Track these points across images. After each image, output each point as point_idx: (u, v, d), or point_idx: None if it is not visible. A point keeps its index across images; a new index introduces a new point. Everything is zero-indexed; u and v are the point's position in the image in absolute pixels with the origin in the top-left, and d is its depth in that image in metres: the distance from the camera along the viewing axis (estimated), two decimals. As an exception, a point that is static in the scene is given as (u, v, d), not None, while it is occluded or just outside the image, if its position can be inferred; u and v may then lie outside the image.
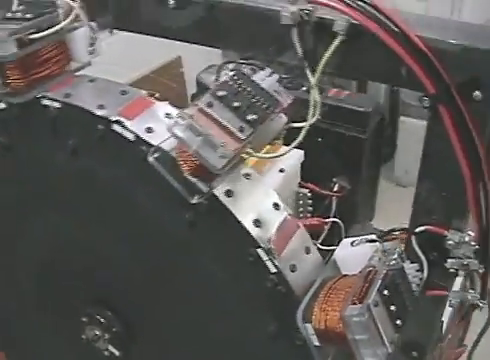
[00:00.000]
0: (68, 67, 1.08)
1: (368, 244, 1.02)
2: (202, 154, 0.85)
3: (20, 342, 1.52)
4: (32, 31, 1.00)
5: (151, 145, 0.94)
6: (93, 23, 1.07)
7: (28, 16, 1.01)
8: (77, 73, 1.10)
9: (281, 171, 1.27)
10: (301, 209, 1.34)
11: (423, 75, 0.86)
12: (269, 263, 0.95)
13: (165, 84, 2.64)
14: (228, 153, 0.84)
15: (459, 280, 0.97)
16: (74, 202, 1.14)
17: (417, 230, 0.96)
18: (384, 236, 1.03)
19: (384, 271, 0.89)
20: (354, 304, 0.84)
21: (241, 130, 0.86)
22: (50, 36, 1.02)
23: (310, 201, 1.33)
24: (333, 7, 0.89)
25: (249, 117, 0.88)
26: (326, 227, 1.30)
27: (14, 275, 1.37)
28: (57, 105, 1.03)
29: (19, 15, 1.01)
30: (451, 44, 0.85)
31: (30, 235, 1.28)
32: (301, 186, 1.35)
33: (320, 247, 1.25)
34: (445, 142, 0.87)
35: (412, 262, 0.96)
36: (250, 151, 0.92)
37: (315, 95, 0.95)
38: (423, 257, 0.97)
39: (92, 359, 1.25)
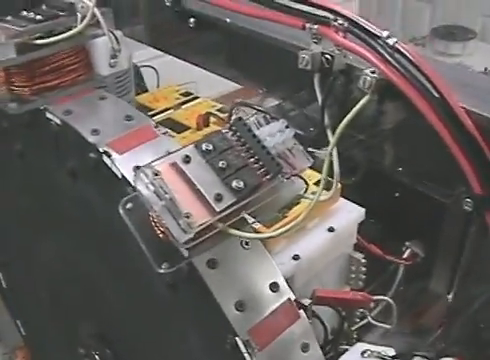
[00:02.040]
0: (86, 78, 0.95)
1: (380, 361, 0.82)
2: (163, 221, 0.68)
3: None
4: (39, 35, 0.88)
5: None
6: (118, 32, 0.93)
7: (38, 18, 0.88)
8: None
9: (330, 230, 1.04)
10: (353, 275, 1.13)
11: (469, 168, 0.65)
12: (248, 357, 0.78)
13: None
14: (192, 227, 0.68)
15: None
16: (72, 226, 1.04)
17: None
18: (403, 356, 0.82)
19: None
20: None
21: (218, 199, 0.69)
22: (61, 42, 0.89)
23: (364, 269, 1.12)
24: (363, 56, 0.69)
25: (234, 183, 0.70)
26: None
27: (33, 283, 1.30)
28: (58, 121, 0.91)
29: (30, 16, 0.89)
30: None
31: (40, 247, 1.20)
32: (361, 247, 1.13)
33: (371, 321, 1.05)
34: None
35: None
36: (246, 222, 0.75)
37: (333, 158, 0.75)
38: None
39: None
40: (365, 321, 1.08)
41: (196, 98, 1.34)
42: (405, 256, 1.17)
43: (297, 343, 0.81)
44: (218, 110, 1.23)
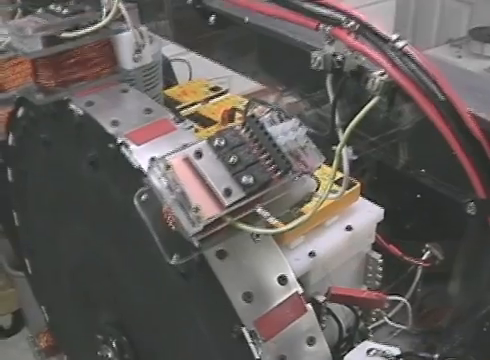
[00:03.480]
0: (110, 72, 0.97)
1: (384, 360, 0.82)
2: (174, 213, 0.70)
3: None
4: (65, 29, 0.90)
5: (150, 181, 0.80)
6: (143, 28, 0.95)
7: (64, 12, 0.90)
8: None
9: (348, 229, 1.04)
10: (369, 275, 1.13)
11: (473, 172, 0.65)
12: (253, 347, 0.79)
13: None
14: (201, 220, 0.69)
15: None
16: (91, 212, 1.06)
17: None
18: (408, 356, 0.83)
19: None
20: None
21: (228, 193, 0.70)
22: (87, 36, 0.91)
23: (381, 269, 1.12)
24: (372, 58, 0.69)
25: (244, 179, 0.71)
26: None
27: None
28: (80, 112, 0.93)
29: (57, 10, 0.91)
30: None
31: (63, 234, 1.22)
32: (380, 247, 1.13)
33: (388, 322, 1.05)
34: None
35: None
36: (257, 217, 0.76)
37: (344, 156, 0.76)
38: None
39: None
40: (381, 321, 1.08)
41: (224, 93, 1.34)
42: (424, 258, 1.16)
43: (303, 336, 0.82)
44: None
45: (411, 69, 0.67)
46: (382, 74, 0.69)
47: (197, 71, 1.70)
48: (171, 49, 1.62)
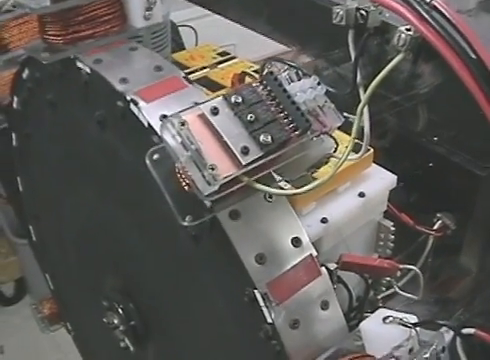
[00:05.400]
0: (119, 30, 0.94)
1: (401, 327, 0.80)
2: (189, 172, 0.67)
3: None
4: (74, -16, 0.87)
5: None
6: (153, -16, 0.92)
7: (74, -34, 0.87)
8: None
9: (361, 195, 1.02)
10: (381, 243, 1.11)
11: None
12: (266, 310, 0.77)
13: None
14: (217, 179, 0.66)
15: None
16: (99, 174, 1.04)
17: (464, 331, 0.73)
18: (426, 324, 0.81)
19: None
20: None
21: (245, 152, 0.68)
22: (96, -8, 0.88)
23: (392, 236, 1.10)
24: (398, 13, 0.66)
25: (262, 137, 0.69)
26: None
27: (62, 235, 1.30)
28: (88, 70, 0.90)
29: (67, -35, 0.88)
30: None
31: (69, 199, 1.20)
32: (391, 215, 1.11)
33: (398, 292, 1.03)
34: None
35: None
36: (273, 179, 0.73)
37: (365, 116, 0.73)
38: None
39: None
40: (391, 290, 1.07)
41: (233, 58, 1.32)
42: (436, 227, 1.14)
43: (317, 300, 0.81)
44: (254, 71, 1.21)
45: (440, 24, 0.64)
46: (408, 29, 0.66)
47: (202, 39, 1.68)
48: (177, 16, 1.60)
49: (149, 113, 0.82)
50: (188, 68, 1.27)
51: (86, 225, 1.18)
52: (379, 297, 1.09)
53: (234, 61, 1.31)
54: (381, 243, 1.09)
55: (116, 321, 1.10)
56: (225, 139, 0.67)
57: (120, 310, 1.09)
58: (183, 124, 0.67)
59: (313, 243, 0.87)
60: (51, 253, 1.41)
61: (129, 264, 1.08)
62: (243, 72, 1.15)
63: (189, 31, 1.78)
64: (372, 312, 0.92)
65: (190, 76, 1.22)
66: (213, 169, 0.66)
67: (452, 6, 0.70)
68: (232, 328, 0.86)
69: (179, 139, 0.67)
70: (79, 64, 0.92)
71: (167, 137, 0.67)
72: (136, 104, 0.83)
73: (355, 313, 0.98)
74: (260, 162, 0.69)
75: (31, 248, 1.52)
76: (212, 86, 1.20)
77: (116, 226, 1.05)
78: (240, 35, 1.40)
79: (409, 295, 1.03)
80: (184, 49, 1.51)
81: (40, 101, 1.08)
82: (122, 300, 1.09)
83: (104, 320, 1.12)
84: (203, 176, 0.66)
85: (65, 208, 1.23)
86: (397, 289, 1.05)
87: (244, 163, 0.67)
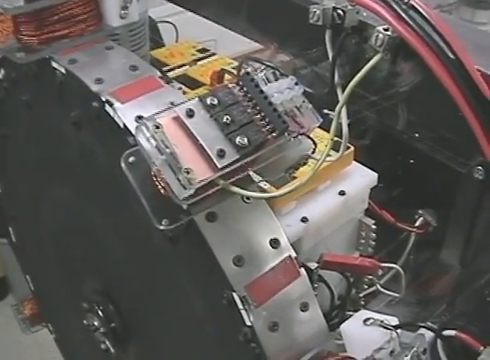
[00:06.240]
0: (95, 29, 0.93)
1: (382, 329, 0.79)
2: (164, 176, 0.66)
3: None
4: (48, -17, 0.85)
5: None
6: (128, -19, 0.90)
7: (49, -35, 0.86)
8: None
9: (341, 194, 1.01)
10: (362, 241, 1.11)
11: (482, 134, 0.62)
12: (244, 313, 0.76)
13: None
14: (192, 183, 0.66)
15: None
16: (75, 176, 1.03)
17: (445, 333, 0.73)
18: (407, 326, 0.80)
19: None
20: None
21: (221, 155, 0.67)
22: (70, -9, 0.87)
23: (374, 235, 1.09)
24: (376, 12, 0.66)
25: (238, 140, 0.68)
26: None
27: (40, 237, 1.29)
28: (63, 70, 0.89)
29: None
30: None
31: (46, 199, 1.19)
32: (373, 213, 1.10)
33: (381, 290, 1.03)
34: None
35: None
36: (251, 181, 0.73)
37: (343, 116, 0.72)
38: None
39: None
40: (373, 288, 1.06)
41: (213, 54, 1.31)
42: (417, 224, 1.14)
43: (296, 302, 0.80)
44: (234, 68, 1.20)
45: (418, 24, 0.63)
46: (386, 29, 0.65)
47: (183, 35, 1.66)
48: (157, 12, 1.58)
49: (124, 114, 0.81)
50: (167, 65, 1.26)
51: (64, 227, 1.16)
52: (361, 295, 1.08)
53: (214, 58, 1.30)
54: (362, 241, 1.09)
55: (96, 323, 1.08)
56: (201, 142, 0.66)
57: (100, 312, 1.08)
58: (158, 127, 0.66)
59: (293, 243, 0.86)
60: (30, 254, 1.40)
61: (107, 266, 1.07)
62: (222, 69, 1.15)
63: (169, 27, 1.76)
64: (354, 311, 0.91)
65: (169, 74, 1.21)
66: (188, 173, 0.65)
67: (432, 1, 0.70)
68: (211, 330, 0.85)
69: (154, 142, 0.66)
70: (54, 64, 0.90)
71: (142, 140, 0.66)
72: (111, 105, 0.81)
73: (337, 312, 0.97)
74: (236, 165, 0.68)
75: (11, 249, 1.50)
76: (191, 83, 1.19)
77: (94, 228, 1.04)
78: (221, 30, 1.38)
79: (391, 293, 1.03)
80: (164, 46, 1.49)
81: (16, 101, 1.06)
82: (102, 302, 1.08)
83: (84, 322, 1.11)
84: (178, 180, 0.65)
85: (43, 209, 1.21)
86: (379, 287, 1.05)
87: (220, 166, 0.66)
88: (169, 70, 1.24)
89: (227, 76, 1.15)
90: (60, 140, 1.00)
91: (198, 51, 1.33)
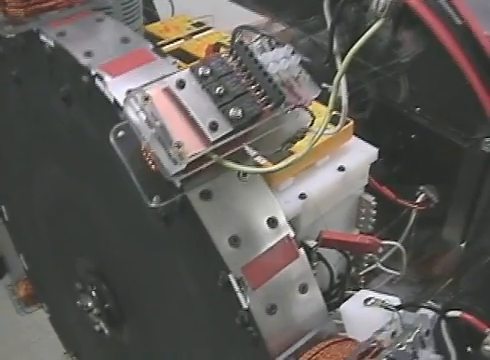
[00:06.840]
0: (85, 0, 0.89)
1: (383, 310, 0.77)
2: (154, 151, 0.63)
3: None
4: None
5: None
6: None
7: None
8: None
9: (340, 169, 0.98)
10: (362, 218, 1.08)
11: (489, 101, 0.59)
12: (241, 295, 0.73)
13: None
14: (183, 157, 0.62)
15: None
16: (66, 153, 1.00)
17: (449, 314, 0.70)
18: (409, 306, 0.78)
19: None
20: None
21: (213, 128, 0.64)
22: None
23: (374, 212, 1.06)
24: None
25: (232, 112, 0.65)
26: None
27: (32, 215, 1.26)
28: (51, 43, 0.86)
29: None
30: None
31: (38, 177, 1.17)
32: (373, 189, 1.07)
33: (381, 268, 1.01)
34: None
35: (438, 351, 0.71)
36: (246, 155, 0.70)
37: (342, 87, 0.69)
38: (453, 350, 0.71)
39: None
40: (373, 266, 1.04)
41: (208, 29, 1.28)
42: (419, 201, 1.11)
43: (295, 283, 0.77)
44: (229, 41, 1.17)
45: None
46: (391, -3, 0.62)
47: (179, 9, 1.63)
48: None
49: (115, 88, 0.78)
50: (162, 40, 1.23)
51: (56, 205, 1.14)
52: (361, 274, 1.06)
53: (209, 32, 1.27)
54: (362, 218, 1.06)
55: (90, 304, 1.06)
56: (192, 114, 0.63)
57: (94, 292, 1.05)
58: (147, 99, 0.63)
59: (291, 220, 0.83)
60: (24, 233, 1.38)
61: (101, 245, 1.05)
62: (218, 43, 1.12)
63: (165, 1, 1.73)
64: (354, 289, 0.89)
65: (164, 48, 1.18)
66: (179, 147, 0.62)
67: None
68: (206, 313, 0.83)
69: (143, 116, 0.62)
70: (42, 37, 0.87)
71: (130, 113, 0.63)
72: (101, 79, 0.78)
73: (336, 290, 0.95)
74: (230, 138, 0.65)
75: (6, 228, 1.48)
76: (186, 58, 1.16)
77: (86, 206, 1.01)
78: (218, 6, 1.35)
79: (392, 271, 1.01)
80: (158, 20, 1.46)
81: (5, 77, 1.03)
82: (95, 282, 1.06)
83: (78, 303, 1.09)
84: (169, 154, 0.62)
85: (34, 187, 1.19)
86: (379, 265, 1.02)
87: (213, 140, 0.63)
88: (164, 44, 1.21)
89: (223, 50, 1.12)
90: (50, 116, 0.97)
91: (193, 25, 1.31)
